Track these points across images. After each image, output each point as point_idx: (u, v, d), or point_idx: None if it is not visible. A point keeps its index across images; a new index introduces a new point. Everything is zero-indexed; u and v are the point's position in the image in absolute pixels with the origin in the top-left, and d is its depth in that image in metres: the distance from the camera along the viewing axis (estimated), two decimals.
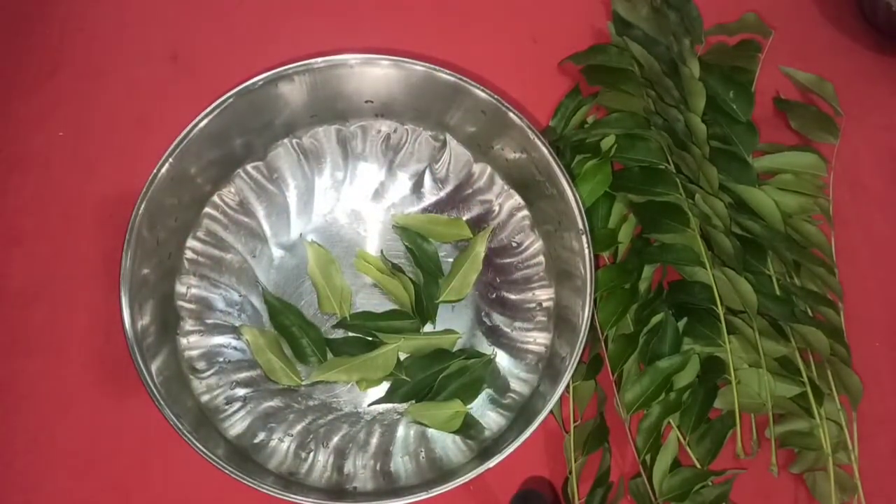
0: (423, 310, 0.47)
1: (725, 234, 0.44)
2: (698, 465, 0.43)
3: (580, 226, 0.43)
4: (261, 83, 0.43)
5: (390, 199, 0.50)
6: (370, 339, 0.46)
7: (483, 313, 0.48)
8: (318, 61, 0.44)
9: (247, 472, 0.38)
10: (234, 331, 0.45)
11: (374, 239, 0.49)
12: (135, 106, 0.51)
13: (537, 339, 0.46)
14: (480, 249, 0.47)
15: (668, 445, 0.43)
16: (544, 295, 0.47)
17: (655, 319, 0.45)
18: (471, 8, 0.56)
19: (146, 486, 0.44)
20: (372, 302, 0.48)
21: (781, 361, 0.44)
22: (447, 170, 0.49)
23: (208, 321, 0.45)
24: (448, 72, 0.44)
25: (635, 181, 0.48)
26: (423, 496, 0.38)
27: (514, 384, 0.45)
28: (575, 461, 0.43)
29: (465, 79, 0.44)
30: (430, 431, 0.44)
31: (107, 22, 0.53)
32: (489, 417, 0.44)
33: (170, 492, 0.44)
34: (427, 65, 0.44)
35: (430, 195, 0.50)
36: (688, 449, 0.44)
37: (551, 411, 0.40)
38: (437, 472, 0.42)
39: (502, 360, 0.46)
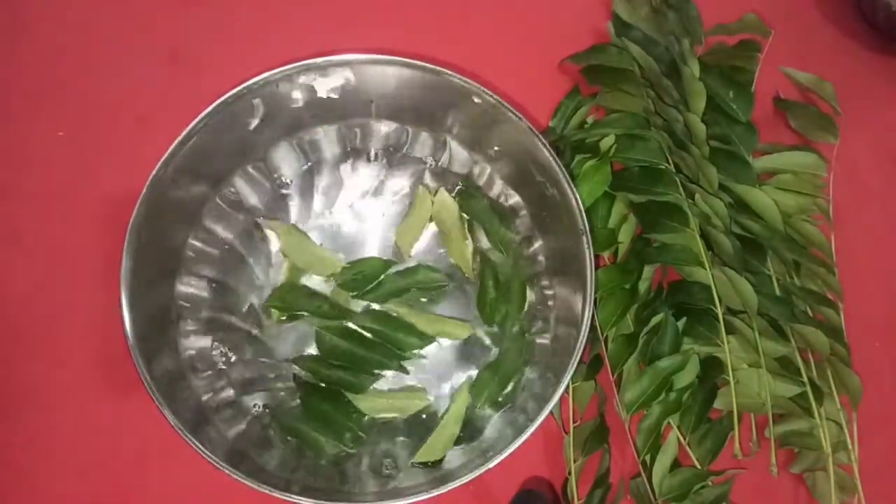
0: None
1: (725, 234, 0.44)
2: (698, 466, 0.43)
3: (580, 226, 0.43)
4: (261, 83, 0.43)
5: (390, 198, 0.50)
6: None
7: None
8: (319, 61, 0.44)
9: (247, 473, 0.38)
10: (234, 330, 0.45)
11: (374, 238, 0.49)
12: (135, 106, 0.51)
13: (537, 339, 0.46)
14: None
15: (668, 445, 0.43)
16: (544, 294, 0.47)
17: (655, 319, 0.45)
18: (471, 8, 0.56)
19: (145, 487, 0.44)
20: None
21: (781, 361, 0.44)
22: (447, 170, 0.49)
23: (208, 321, 0.45)
24: (448, 72, 0.44)
25: (635, 181, 0.48)
26: (424, 496, 0.38)
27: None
28: (575, 462, 0.43)
29: (464, 78, 0.44)
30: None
31: (107, 22, 0.53)
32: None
33: (169, 492, 0.44)
34: (427, 65, 0.44)
35: None
36: (688, 449, 0.44)
37: (551, 411, 0.40)
38: (437, 472, 0.42)
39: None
